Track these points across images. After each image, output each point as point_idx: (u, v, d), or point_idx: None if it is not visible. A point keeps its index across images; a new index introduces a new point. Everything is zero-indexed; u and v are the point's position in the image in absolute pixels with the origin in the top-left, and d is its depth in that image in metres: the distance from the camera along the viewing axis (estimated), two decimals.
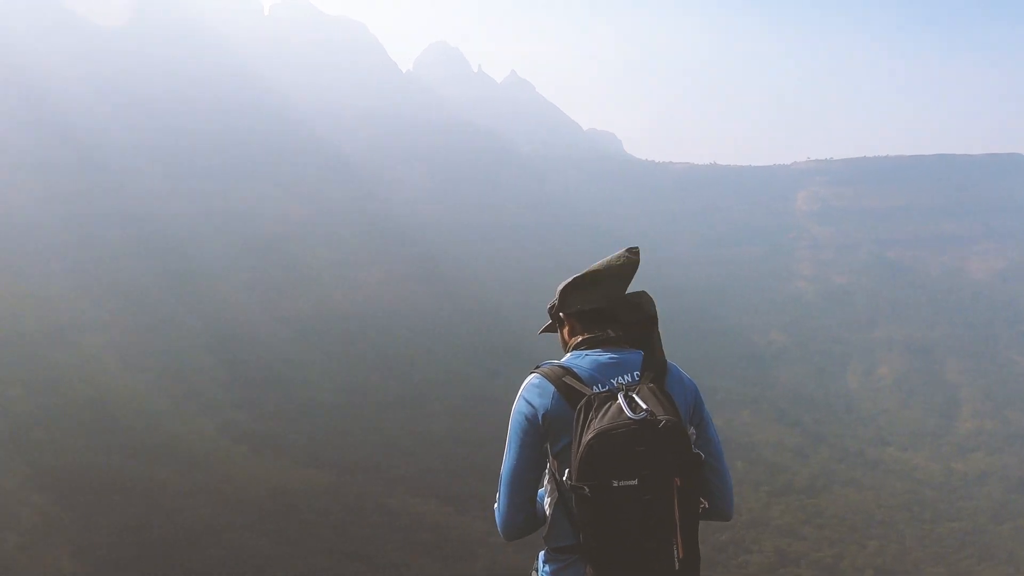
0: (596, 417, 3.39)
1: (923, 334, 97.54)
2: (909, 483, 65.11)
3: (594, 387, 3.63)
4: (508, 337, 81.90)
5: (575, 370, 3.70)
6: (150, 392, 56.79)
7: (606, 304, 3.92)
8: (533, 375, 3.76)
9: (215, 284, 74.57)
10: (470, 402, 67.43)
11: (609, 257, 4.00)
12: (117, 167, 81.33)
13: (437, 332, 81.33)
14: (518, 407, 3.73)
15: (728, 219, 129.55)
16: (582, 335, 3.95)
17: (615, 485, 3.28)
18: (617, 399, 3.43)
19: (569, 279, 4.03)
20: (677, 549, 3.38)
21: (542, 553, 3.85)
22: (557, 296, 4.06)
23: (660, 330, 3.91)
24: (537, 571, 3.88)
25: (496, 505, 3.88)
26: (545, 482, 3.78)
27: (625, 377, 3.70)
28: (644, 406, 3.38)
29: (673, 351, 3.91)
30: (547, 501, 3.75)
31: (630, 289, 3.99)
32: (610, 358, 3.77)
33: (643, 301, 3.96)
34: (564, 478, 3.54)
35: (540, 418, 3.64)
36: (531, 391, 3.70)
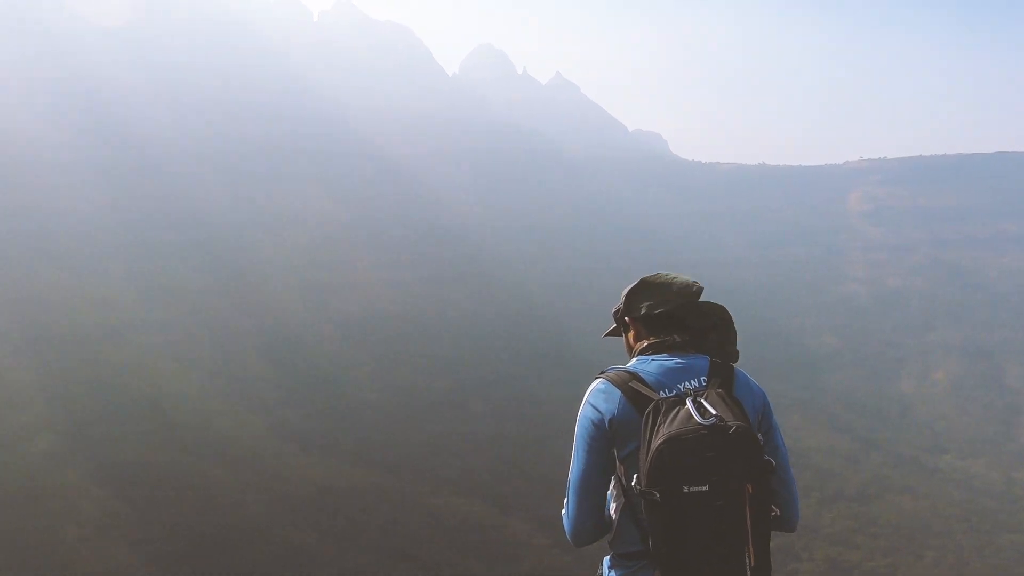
0: (665, 422, 3.37)
1: (982, 337, 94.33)
2: (967, 492, 62.98)
3: (661, 392, 3.60)
4: (553, 338, 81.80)
5: (641, 375, 3.68)
6: (203, 391, 58.20)
7: (673, 308, 3.89)
8: (599, 380, 3.73)
9: (265, 286, 76.11)
10: (514, 403, 67.52)
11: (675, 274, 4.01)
12: (173, 172, 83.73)
13: (481, 333, 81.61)
14: (584, 412, 3.71)
15: (777, 220, 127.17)
16: (648, 340, 3.93)
17: (685, 491, 3.26)
18: (686, 404, 3.41)
19: (636, 282, 4.01)
20: (749, 557, 3.34)
21: (607, 558, 3.84)
22: (623, 300, 4.04)
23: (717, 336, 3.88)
24: None
25: (564, 511, 3.84)
26: (611, 487, 3.76)
27: (692, 382, 3.67)
28: (713, 411, 3.35)
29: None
30: (613, 506, 3.73)
31: None
32: (676, 363, 3.74)
33: (711, 308, 3.94)
34: (632, 483, 3.49)
35: (607, 423, 3.62)
36: (597, 396, 3.68)
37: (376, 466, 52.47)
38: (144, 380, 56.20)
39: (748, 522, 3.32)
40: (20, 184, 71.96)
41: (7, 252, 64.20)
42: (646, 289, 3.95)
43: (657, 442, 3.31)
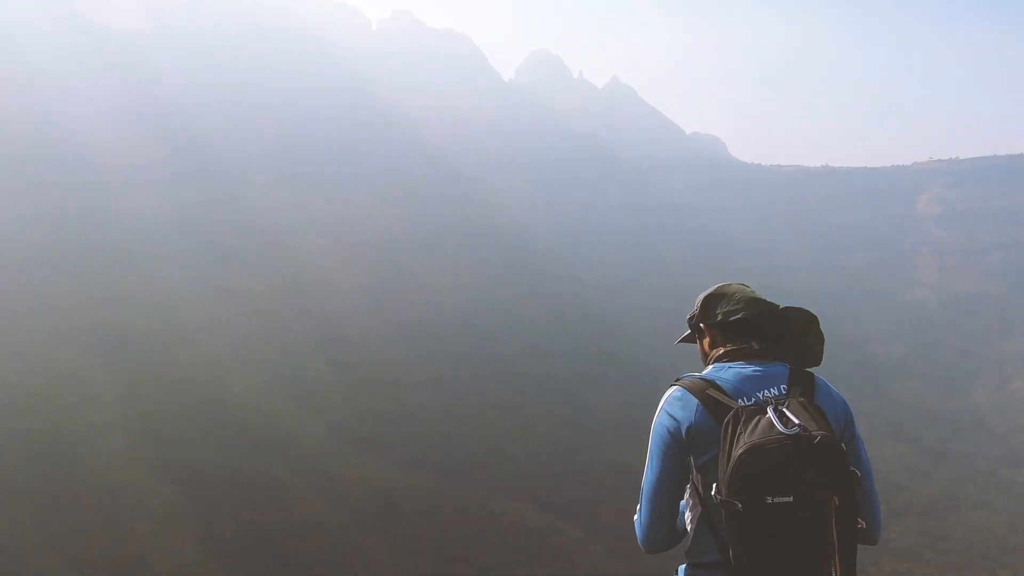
0: (746, 431, 3.27)
1: None
2: None
3: (739, 400, 3.52)
4: (609, 342, 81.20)
5: (719, 382, 3.60)
6: (265, 392, 59.56)
7: (751, 315, 3.79)
8: (675, 388, 3.66)
9: (324, 289, 77.58)
10: (569, 408, 67.23)
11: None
12: (235, 177, 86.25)
13: (537, 337, 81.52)
14: (660, 420, 3.64)
15: (841, 224, 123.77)
16: (724, 347, 3.84)
17: (769, 501, 3.16)
18: (767, 413, 3.31)
19: (712, 288, 3.94)
20: (835, 571, 3.30)
21: (682, 568, 3.76)
22: (698, 306, 3.95)
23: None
24: None
25: (637, 517, 3.78)
26: (687, 496, 3.69)
27: (772, 391, 3.58)
28: (796, 420, 3.25)
29: None
30: (688, 516, 3.67)
31: None
32: (754, 371, 3.65)
33: (797, 314, 3.82)
34: (712, 492, 3.40)
35: (683, 431, 3.55)
36: (673, 404, 3.62)
37: (432, 468, 52.87)
38: (209, 381, 57.81)
39: (834, 535, 3.25)
40: (93, 189, 75.16)
41: (81, 255, 67.03)
42: (723, 295, 3.88)
43: (738, 451, 3.22)
